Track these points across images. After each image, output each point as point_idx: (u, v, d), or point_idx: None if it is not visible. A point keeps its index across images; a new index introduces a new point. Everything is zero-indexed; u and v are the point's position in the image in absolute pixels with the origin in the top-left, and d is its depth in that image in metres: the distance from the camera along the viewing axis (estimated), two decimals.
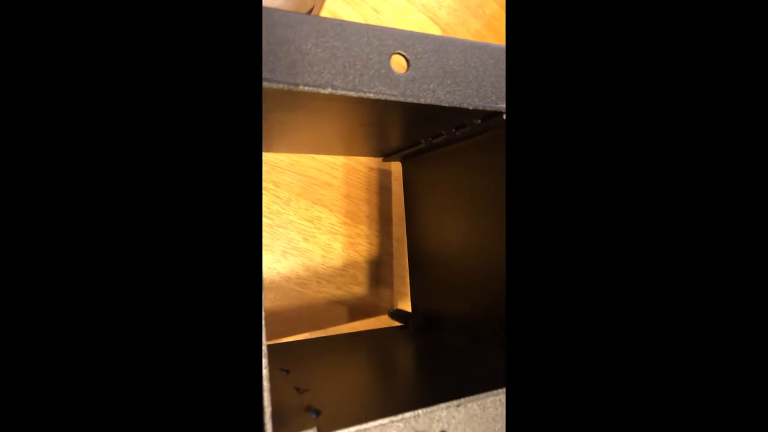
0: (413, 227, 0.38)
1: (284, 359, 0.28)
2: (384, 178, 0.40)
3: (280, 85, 0.17)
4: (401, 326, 0.37)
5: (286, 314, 0.35)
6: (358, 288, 0.38)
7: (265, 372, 0.16)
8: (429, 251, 0.36)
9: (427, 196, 0.36)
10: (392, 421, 0.19)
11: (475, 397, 0.21)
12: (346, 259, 0.38)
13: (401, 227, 0.40)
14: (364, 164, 0.38)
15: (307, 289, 0.36)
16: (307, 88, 0.18)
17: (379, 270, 0.39)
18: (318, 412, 0.19)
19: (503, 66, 0.23)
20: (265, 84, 0.17)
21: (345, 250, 0.38)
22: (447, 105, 0.21)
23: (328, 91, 0.18)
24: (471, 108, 0.22)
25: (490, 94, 0.23)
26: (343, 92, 0.19)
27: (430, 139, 0.30)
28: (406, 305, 0.40)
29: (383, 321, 0.39)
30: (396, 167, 0.40)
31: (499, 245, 0.28)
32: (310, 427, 0.17)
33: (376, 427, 0.19)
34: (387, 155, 0.37)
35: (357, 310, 0.38)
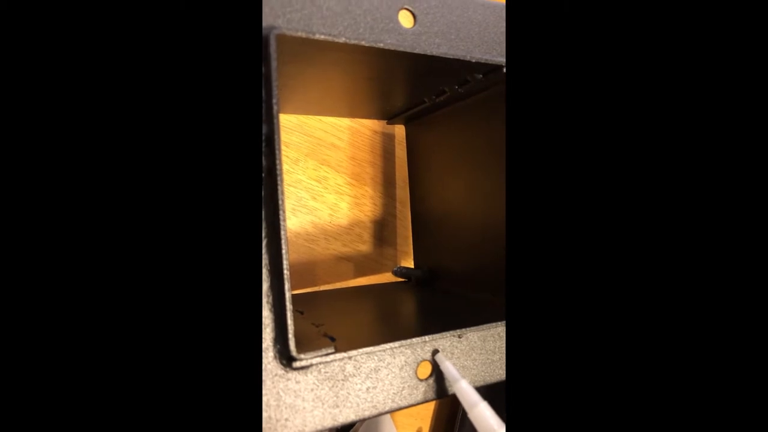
0: (416, 189, 0.40)
1: (297, 305, 0.30)
2: (387, 141, 0.41)
3: (298, 33, 0.19)
4: (404, 281, 0.39)
5: (295, 268, 0.37)
6: (364, 246, 0.40)
7: (288, 305, 0.18)
8: (431, 212, 0.38)
9: (429, 159, 0.37)
10: (401, 345, 0.21)
11: (476, 328, 0.23)
12: (352, 219, 0.39)
13: (404, 190, 0.42)
14: (368, 127, 0.40)
15: (315, 246, 0.37)
16: (322, 36, 0.19)
17: (383, 230, 0.41)
18: (333, 338, 0.21)
19: (504, 23, 0.25)
20: (285, 32, 0.18)
21: (351, 209, 0.39)
22: (451, 57, 0.23)
23: (342, 40, 0.20)
24: (473, 61, 0.23)
25: (491, 49, 0.24)
26: (356, 42, 0.20)
27: (434, 97, 0.31)
28: (408, 264, 0.42)
29: (387, 278, 0.41)
30: (399, 131, 0.41)
31: (498, 204, 0.30)
32: (328, 346, 0.19)
33: (386, 350, 0.21)
34: (391, 117, 0.38)
35: (362, 266, 0.40)
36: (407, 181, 0.41)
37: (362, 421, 0.37)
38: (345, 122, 0.39)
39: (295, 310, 0.27)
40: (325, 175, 0.38)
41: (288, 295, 0.18)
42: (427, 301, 0.33)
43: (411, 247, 0.41)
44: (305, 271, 0.37)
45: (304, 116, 0.37)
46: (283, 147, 0.36)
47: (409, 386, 0.21)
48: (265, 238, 0.18)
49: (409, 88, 0.30)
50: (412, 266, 0.41)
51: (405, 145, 0.41)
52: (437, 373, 0.22)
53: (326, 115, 0.38)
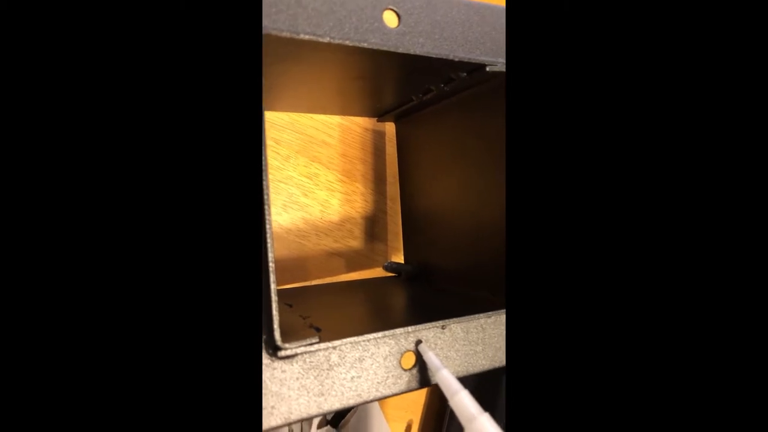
0: (406, 185, 0.40)
1: (287, 299, 0.31)
2: (378, 138, 0.42)
3: (283, 33, 0.19)
4: (394, 276, 0.40)
5: (286, 264, 0.37)
6: (354, 242, 0.40)
7: (273, 297, 0.19)
8: (421, 208, 0.39)
9: (419, 155, 0.38)
10: (384, 336, 0.22)
11: (459, 319, 0.24)
12: (343, 215, 0.40)
13: (395, 186, 0.42)
14: (359, 125, 0.40)
15: (306, 241, 0.38)
16: (307, 36, 0.20)
17: (373, 226, 0.42)
18: (319, 329, 0.22)
19: (488, 22, 0.25)
20: (271, 31, 0.19)
21: (342, 206, 0.40)
22: (435, 56, 0.23)
23: (326, 40, 0.20)
24: (456, 60, 0.24)
25: (475, 48, 0.25)
26: (340, 41, 0.21)
27: (421, 95, 0.32)
28: (399, 259, 0.43)
29: (377, 273, 0.41)
30: (390, 129, 0.42)
31: (486, 200, 0.31)
32: (313, 336, 0.20)
33: (369, 340, 0.21)
34: (381, 115, 0.39)
35: (353, 262, 0.40)
36: (397, 177, 0.41)
37: (353, 413, 0.38)
38: (336, 120, 0.39)
39: (283, 303, 0.28)
40: (316, 172, 0.38)
41: (273, 287, 0.19)
42: (416, 295, 0.34)
43: (401, 242, 0.42)
44: (296, 267, 0.38)
45: (295, 114, 0.37)
46: (274, 144, 0.37)
47: (393, 376, 0.22)
48: None
49: (397, 87, 0.31)
50: (403, 261, 0.41)
51: (395, 142, 0.41)
52: (421, 364, 0.23)
53: (317, 113, 0.38)
